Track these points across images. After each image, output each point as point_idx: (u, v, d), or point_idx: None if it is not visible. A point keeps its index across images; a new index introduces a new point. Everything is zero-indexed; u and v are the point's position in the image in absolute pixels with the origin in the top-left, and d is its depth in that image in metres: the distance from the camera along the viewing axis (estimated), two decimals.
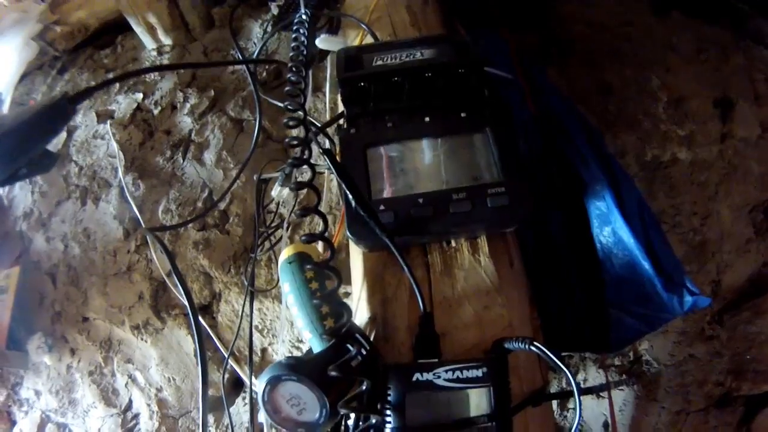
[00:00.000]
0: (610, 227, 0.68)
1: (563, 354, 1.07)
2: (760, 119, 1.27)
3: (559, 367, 0.44)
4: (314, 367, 0.45)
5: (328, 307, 0.52)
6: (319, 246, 0.63)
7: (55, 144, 1.53)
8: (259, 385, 0.45)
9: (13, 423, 1.32)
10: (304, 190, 0.54)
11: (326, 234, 0.51)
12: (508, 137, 0.60)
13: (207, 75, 1.51)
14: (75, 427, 1.26)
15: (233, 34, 1.31)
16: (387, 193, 0.59)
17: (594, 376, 1.06)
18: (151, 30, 1.55)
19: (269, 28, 1.32)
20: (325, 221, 0.52)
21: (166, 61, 1.54)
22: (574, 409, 1.02)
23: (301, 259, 0.56)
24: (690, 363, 1.04)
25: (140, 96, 1.53)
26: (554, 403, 1.05)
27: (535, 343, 0.46)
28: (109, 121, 1.50)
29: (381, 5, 0.93)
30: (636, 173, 1.23)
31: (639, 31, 1.44)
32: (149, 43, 1.60)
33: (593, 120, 1.28)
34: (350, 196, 0.52)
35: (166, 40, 1.58)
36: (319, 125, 0.66)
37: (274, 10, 1.08)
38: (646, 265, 0.64)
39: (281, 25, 0.89)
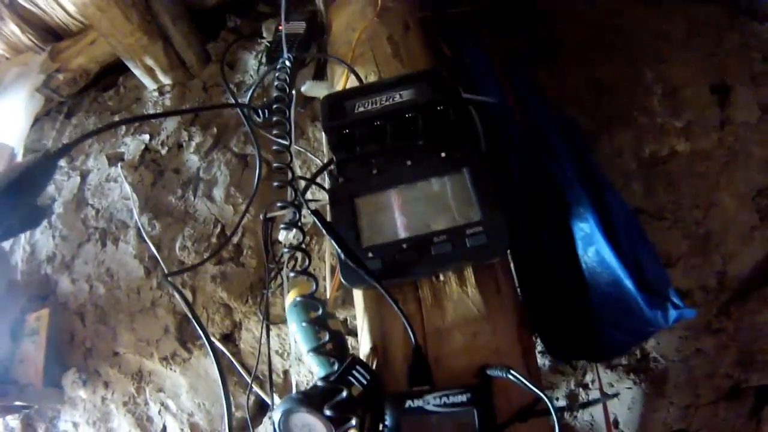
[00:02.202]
0: (593, 247, 0.70)
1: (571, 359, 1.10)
2: (759, 101, 1.25)
3: (534, 392, 0.50)
4: (320, 400, 0.52)
5: (331, 344, 0.58)
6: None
7: (71, 189, 1.61)
8: (275, 416, 0.52)
9: None
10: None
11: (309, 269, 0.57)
12: (484, 175, 0.64)
13: (208, 113, 1.56)
14: None
15: (223, 74, 1.36)
16: (374, 241, 0.63)
17: (603, 376, 1.08)
18: (149, 71, 1.60)
19: (264, 59, 1.36)
20: (309, 258, 0.60)
21: (167, 101, 1.60)
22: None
23: (302, 303, 0.62)
24: (698, 357, 1.04)
25: (147, 137, 1.59)
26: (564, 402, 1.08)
27: (512, 371, 0.51)
28: (119, 164, 1.57)
29: (363, 40, 0.97)
30: (634, 171, 1.22)
31: (629, 22, 1.43)
32: (150, 84, 1.65)
33: (586, 121, 1.29)
34: (338, 250, 0.57)
35: (166, 80, 1.63)
36: (308, 178, 0.70)
37: (261, 46, 1.12)
38: (628, 283, 0.65)
39: (269, 69, 0.93)
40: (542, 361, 1.11)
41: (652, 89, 1.31)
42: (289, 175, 0.62)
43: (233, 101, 1.11)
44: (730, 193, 1.16)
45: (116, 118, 1.64)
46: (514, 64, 1.09)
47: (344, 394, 0.51)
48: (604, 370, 1.07)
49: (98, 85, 1.79)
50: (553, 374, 1.11)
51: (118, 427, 1.34)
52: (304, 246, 0.59)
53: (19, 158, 1.57)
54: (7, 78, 1.61)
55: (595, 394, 1.07)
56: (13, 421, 1.43)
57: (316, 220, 0.57)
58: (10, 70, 1.62)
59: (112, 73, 1.76)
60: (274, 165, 0.64)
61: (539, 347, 1.08)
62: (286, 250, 0.60)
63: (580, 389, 1.09)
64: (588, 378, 1.09)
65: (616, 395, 1.02)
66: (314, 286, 0.60)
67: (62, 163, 1.67)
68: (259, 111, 0.79)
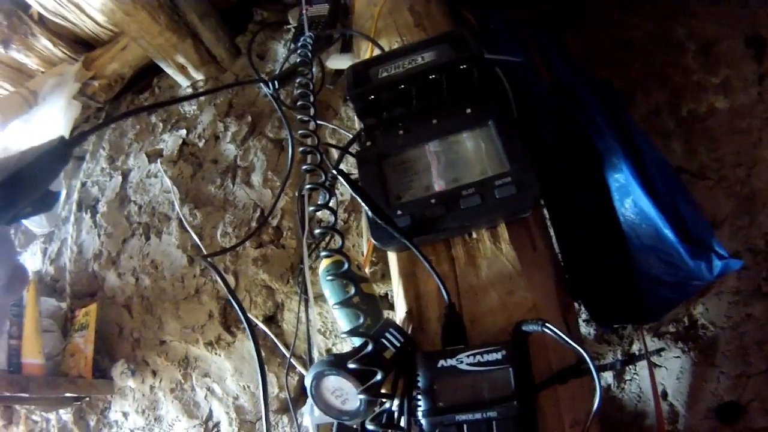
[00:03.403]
0: (630, 198, 0.68)
1: (615, 326, 1.07)
2: None
3: (571, 346, 0.47)
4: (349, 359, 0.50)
5: (357, 298, 0.58)
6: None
7: (113, 188, 1.68)
8: (306, 381, 0.50)
9: None
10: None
11: (342, 248, 0.56)
12: (510, 126, 0.63)
13: (242, 102, 1.60)
14: None
15: (251, 60, 1.39)
16: (403, 198, 0.63)
17: (650, 345, 1.05)
18: (182, 69, 1.65)
19: (291, 45, 1.38)
20: (342, 237, 0.58)
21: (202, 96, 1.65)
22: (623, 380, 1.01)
23: (330, 263, 0.62)
24: (748, 323, 0.99)
25: (184, 132, 1.64)
26: (610, 375, 1.05)
27: (547, 324, 0.48)
28: (159, 160, 1.62)
29: (385, 12, 0.97)
30: (672, 130, 1.19)
31: None
32: (183, 81, 1.70)
33: (619, 82, 1.25)
34: (366, 208, 0.57)
35: (198, 76, 1.68)
36: (340, 146, 0.70)
37: (289, 34, 1.14)
38: (669, 233, 0.63)
39: (293, 49, 0.95)
40: (587, 330, 1.09)
41: (684, 46, 1.26)
42: (314, 140, 0.62)
43: (260, 85, 1.12)
44: None
45: (153, 118, 1.69)
46: (539, 30, 1.07)
47: (370, 347, 0.50)
48: (651, 338, 1.04)
49: (134, 88, 1.86)
50: (599, 344, 1.08)
51: (166, 414, 1.39)
52: (334, 220, 0.59)
53: None
54: (44, 89, 1.68)
55: (641, 363, 1.04)
56: (66, 414, 1.50)
57: (340, 179, 0.57)
58: (46, 82, 1.69)
59: (147, 75, 1.82)
60: (299, 132, 0.64)
61: (584, 315, 1.06)
62: (318, 231, 0.59)
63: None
64: (635, 347, 1.06)
65: (660, 350, 0.98)
66: (346, 262, 0.58)
67: (103, 164, 1.74)
68: (280, 81, 0.80)
